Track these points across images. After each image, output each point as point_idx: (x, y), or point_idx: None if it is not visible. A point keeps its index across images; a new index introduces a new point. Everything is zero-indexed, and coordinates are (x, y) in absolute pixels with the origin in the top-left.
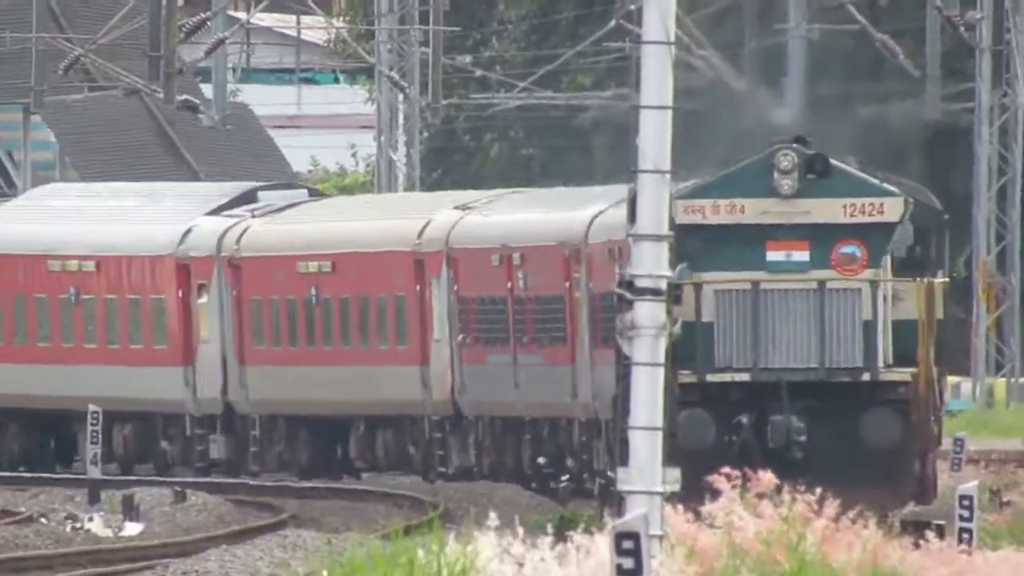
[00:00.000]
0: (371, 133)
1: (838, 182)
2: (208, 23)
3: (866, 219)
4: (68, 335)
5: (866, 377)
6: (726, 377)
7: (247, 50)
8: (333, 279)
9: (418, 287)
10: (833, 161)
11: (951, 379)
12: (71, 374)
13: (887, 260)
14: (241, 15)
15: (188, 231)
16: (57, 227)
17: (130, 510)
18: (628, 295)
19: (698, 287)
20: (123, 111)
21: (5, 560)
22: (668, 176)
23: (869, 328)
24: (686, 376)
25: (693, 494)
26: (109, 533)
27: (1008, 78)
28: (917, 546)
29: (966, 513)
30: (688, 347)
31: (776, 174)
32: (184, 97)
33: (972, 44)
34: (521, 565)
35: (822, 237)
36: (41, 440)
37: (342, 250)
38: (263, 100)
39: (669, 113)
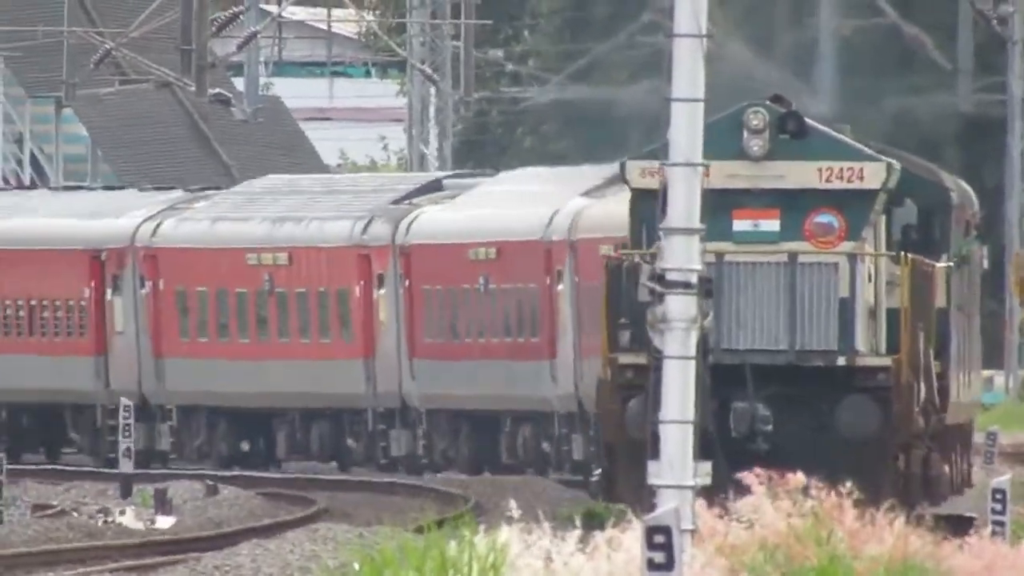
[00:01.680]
0: (402, 126)
1: (815, 144)
2: (240, 17)
3: (844, 185)
4: (472, 330)
5: (841, 361)
6: None
7: (279, 43)
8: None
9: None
10: (810, 121)
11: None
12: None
13: (875, 233)
14: (273, 8)
15: (555, 213)
16: (476, 212)
17: (162, 504)
18: (659, 288)
19: (655, 258)
20: (155, 104)
21: (38, 553)
22: (700, 169)
23: (846, 307)
24: (633, 358)
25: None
26: (141, 526)
27: None
28: (951, 540)
29: (999, 507)
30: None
31: (746, 134)
32: (216, 90)
33: (1004, 37)
34: (550, 560)
35: (794, 204)
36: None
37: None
38: (294, 93)
39: (701, 106)
